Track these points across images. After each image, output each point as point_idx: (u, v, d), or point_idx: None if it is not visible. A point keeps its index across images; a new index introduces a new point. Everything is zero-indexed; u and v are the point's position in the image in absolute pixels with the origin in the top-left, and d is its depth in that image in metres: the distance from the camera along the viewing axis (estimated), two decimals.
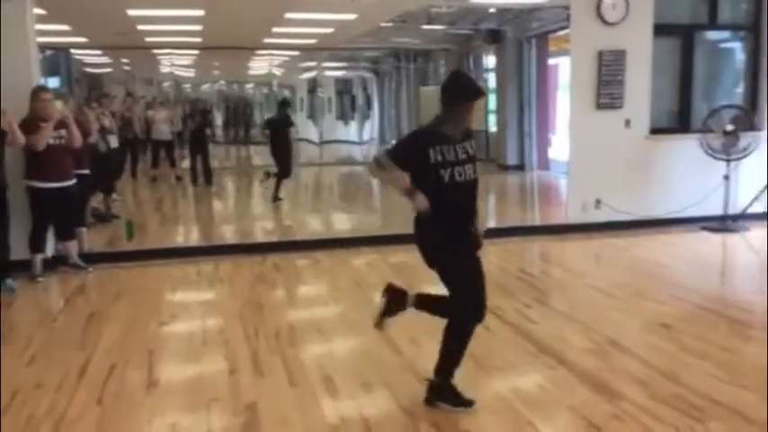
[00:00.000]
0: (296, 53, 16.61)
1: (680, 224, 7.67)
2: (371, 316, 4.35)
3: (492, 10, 11.13)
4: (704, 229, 7.61)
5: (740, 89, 8.39)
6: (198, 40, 12.61)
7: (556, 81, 13.31)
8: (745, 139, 7.49)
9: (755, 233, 7.48)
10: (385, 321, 3.65)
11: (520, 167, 13.18)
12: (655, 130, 7.79)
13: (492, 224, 9.11)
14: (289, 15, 9.91)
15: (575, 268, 6.70)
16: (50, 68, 12.20)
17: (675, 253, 6.80)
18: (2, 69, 5.85)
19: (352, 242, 7.35)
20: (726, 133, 7.50)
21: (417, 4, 9.26)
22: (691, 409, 3.34)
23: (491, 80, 14.37)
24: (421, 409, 3.42)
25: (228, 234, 8.42)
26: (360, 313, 5.04)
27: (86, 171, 6.88)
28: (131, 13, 9.33)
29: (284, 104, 11.05)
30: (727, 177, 7.57)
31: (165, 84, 17.73)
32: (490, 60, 14.59)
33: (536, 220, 9.21)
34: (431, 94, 17.71)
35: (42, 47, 7.07)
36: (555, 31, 11.64)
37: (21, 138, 5.68)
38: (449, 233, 3.43)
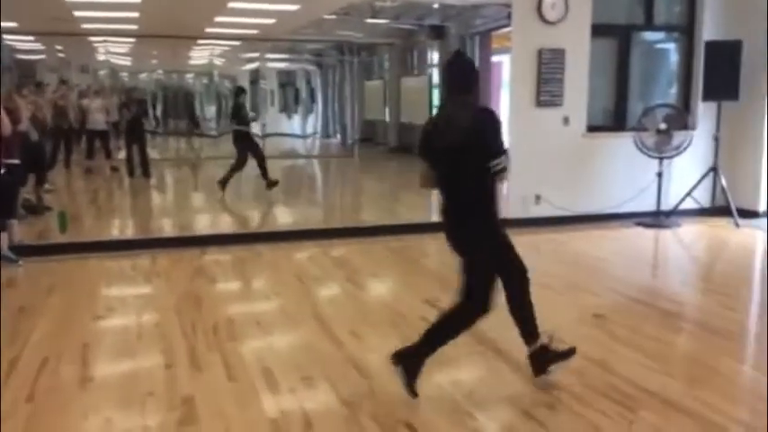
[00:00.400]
0: (237, 43, 16.39)
1: (616, 219, 7.88)
2: (313, 311, 4.36)
3: (435, 6, 11.21)
4: (638, 224, 7.84)
5: (674, 89, 8.67)
6: (135, 27, 12.31)
7: (499, 78, 13.49)
8: (678, 137, 7.74)
9: (686, 228, 7.75)
10: (415, 385, 3.42)
11: None
12: (592, 128, 7.98)
13: (435, 219, 9.20)
14: (232, 5, 9.78)
15: None
16: None
17: (611, 247, 6.99)
18: None
19: (294, 235, 7.31)
20: (659, 132, 7.74)
21: None
22: (623, 397, 3.44)
23: (435, 75, 14.48)
24: (361, 401, 3.43)
25: (166, 227, 8.27)
26: (301, 307, 5.02)
27: (16, 161, 6.64)
28: None
29: (239, 93, 10.84)
30: (660, 175, 7.81)
31: (102, 72, 17.26)
32: (434, 56, 14.70)
33: None
34: (375, 88, 17.77)
35: None
36: (497, 28, 11.80)
37: None
38: (497, 222, 3.46)
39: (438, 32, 13.18)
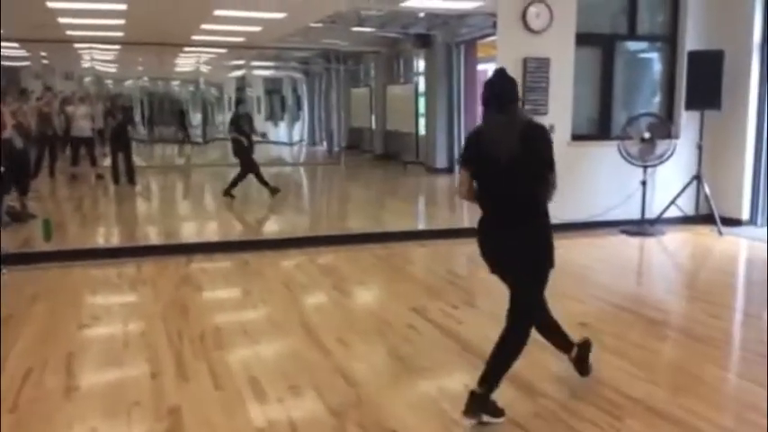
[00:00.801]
0: (223, 51, 16.38)
1: (601, 227, 7.94)
2: (300, 319, 4.35)
3: (421, 15, 11.26)
4: (623, 232, 7.90)
5: (657, 98, 8.75)
6: (120, 34, 12.27)
7: None
8: (662, 146, 7.82)
9: (671, 236, 7.82)
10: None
11: (449, 170, 13.37)
12: (577, 137, 8.03)
13: (421, 226, 9.23)
14: (218, 12, 9.78)
15: None
16: None
17: (596, 255, 7.03)
18: None
19: (281, 243, 7.31)
20: (643, 140, 7.81)
21: (347, 5, 9.27)
22: (609, 405, 3.46)
23: (421, 84, 14.53)
24: (348, 410, 3.42)
25: (152, 235, 8.23)
26: (288, 315, 5.01)
27: (0, 168, 6.59)
28: (51, 5, 9.01)
29: (238, 103, 10.94)
30: (644, 183, 7.87)
31: (87, 79, 17.17)
32: (420, 64, 14.76)
33: (464, 222, 9.34)
34: (361, 96, 17.80)
35: None
36: (483, 37, 11.87)
37: None
38: (551, 232, 3.47)
39: (424, 41, 13.24)
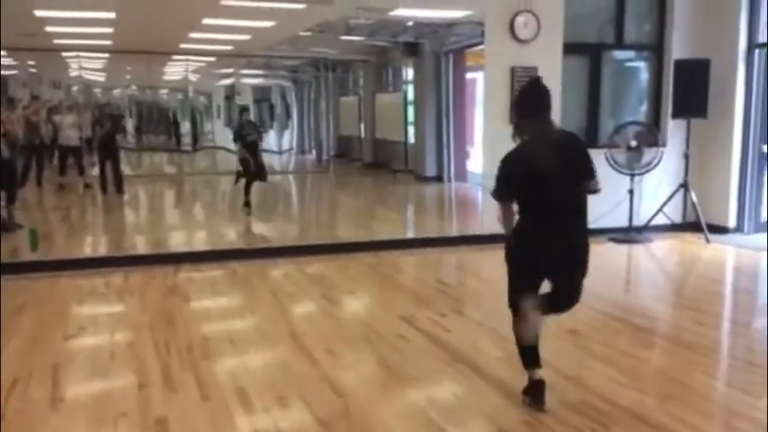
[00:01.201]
0: (212, 59, 16.36)
1: (589, 235, 7.92)
2: (289, 328, 4.32)
3: (410, 23, 11.29)
4: (611, 239, 7.93)
5: (644, 106, 8.81)
6: (109, 43, 12.23)
7: (473, 95, 13.60)
8: (649, 154, 7.86)
9: (658, 244, 7.86)
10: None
11: (438, 179, 13.39)
12: None
13: (411, 234, 9.23)
14: (207, 21, 9.76)
15: (490, 278, 6.84)
16: None
17: None
18: None
19: (270, 252, 7.28)
20: (630, 149, 7.85)
21: (336, 14, 9.29)
22: (597, 413, 3.46)
23: (410, 92, 14.57)
24: (336, 421, 3.41)
25: (140, 244, 8.18)
26: (276, 324, 4.99)
27: None
28: (39, 13, 8.97)
29: (242, 111, 10.82)
30: (631, 191, 7.91)
31: (75, 88, 17.09)
32: (409, 73, 14.79)
33: (453, 230, 9.37)
34: (350, 104, 17.82)
35: None
36: (471, 46, 11.90)
37: None
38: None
39: (412, 50, 13.26)
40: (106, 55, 15.01)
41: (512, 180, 3.48)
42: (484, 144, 8.02)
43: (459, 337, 4.70)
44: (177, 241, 8.40)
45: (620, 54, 8.85)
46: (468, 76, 13.15)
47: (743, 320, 5.45)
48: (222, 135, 19.07)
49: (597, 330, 4.86)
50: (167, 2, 8.29)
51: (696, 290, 6.34)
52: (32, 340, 4.62)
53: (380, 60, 15.70)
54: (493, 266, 7.26)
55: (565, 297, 3.60)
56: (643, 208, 8.16)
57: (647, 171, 7.92)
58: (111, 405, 3.59)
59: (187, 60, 16.42)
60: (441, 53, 13.05)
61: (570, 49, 7.96)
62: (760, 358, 4.42)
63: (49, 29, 10.32)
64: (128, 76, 18.33)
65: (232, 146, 18.40)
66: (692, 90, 7.87)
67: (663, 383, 3.95)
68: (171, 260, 6.84)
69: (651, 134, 8.07)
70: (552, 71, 7.81)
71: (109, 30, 10.48)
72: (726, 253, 7.55)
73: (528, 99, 3.54)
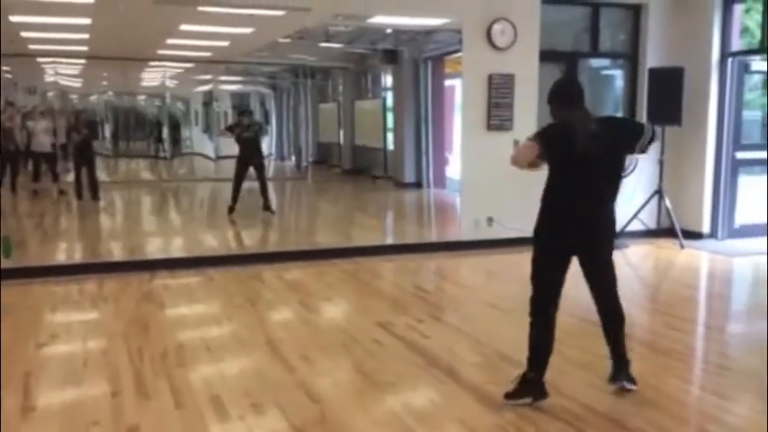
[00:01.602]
0: (190, 65, 16.27)
1: None
2: (265, 335, 4.27)
3: (388, 31, 11.31)
4: None
5: (619, 114, 8.88)
6: (85, 48, 12.12)
7: (452, 102, 13.66)
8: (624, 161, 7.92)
9: (633, 249, 7.92)
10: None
11: (417, 185, 13.41)
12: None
13: (390, 241, 9.23)
14: (184, 27, 9.71)
15: (467, 284, 6.87)
16: None
17: None
18: None
19: (247, 259, 7.24)
20: None
21: (314, 21, 9.28)
22: (572, 418, 3.48)
23: (389, 99, 14.59)
24: (312, 427, 3.39)
25: (115, 251, 8.09)
26: (252, 331, 4.96)
27: None
28: (14, 18, 8.86)
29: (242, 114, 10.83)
30: None
31: (50, 93, 16.91)
32: (388, 80, 14.81)
33: (432, 237, 9.38)
34: (329, 111, 17.79)
35: None
36: (450, 53, 11.96)
37: None
38: None
39: (391, 57, 13.28)
40: (82, 61, 14.87)
41: (554, 146, 3.60)
42: (462, 150, 8.05)
43: (436, 342, 4.70)
44: (153, 248, 8.32)
45: (595, 62, 8.94)
46: (447, 83, 13.20)
47: (716, 325, 5.51)
48: (200, 142, 18.95)
49: (573, 335, 4.88)
50: (144, 8, 8.23)
51: (671, 295, 6.40)
52: (4, 348, 4.53)
53: (359, 67, 15.72)
54: (470, 272, 7.32)
55: (601, 284, 3.79)
56: (618, 214, 8.18)
57: (623, 178, 7.97)
58: (83, 413, 3.54)
59: (165, 66, 16.32)
60: (419, 60, 13.10)
61: (546, 56, 8.03)
62: (733, 362, 4.48)
63: (24, 34, 10.20)
64: (104, 82, 18.15)
65: (210, 152, 18.35)
66: (666, 98, 7.96)
67: (638, 388, 3.97)
68: (146, 267, 6.78)
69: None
70: (529, 78, 7.89)
71: (85, 36, 10.39)
72: (700, 258, 7.64)
73: (568, 88, 3.77)
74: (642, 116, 8.37)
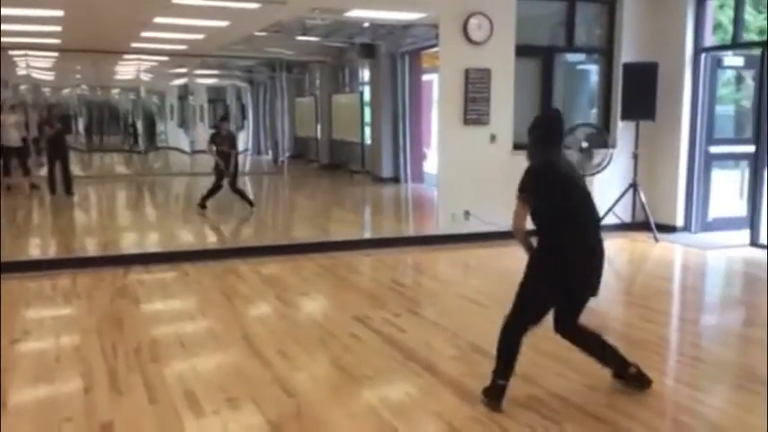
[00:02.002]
0: (165, 59, 16.11)
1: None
2: (241, 330, 4.23)
3: (366, 25, 11.28)
4: None
5: (595, 109, 8.96)
6: (57, 41, 11.94)
7: (430, 96, 13.66)
8: (599, 155, 7.99)
9: (608, 243, 7.88)
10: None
11: (395, 180, 13.40)
12: (518, 146, 8.14)
13: (367, 235, 9.22)
14: (158, 20, 9.60)
15: (444, 278, 6.89)
16: None
17: None
18: None
19: (223, 253, 7.20)
20: (581, 150, 7.97)
21: (290, 14, 9.22)
22: (547, 410, 3.50)
23: (366, 93, 14.56)
24: (288, 422, 3.38)
25: (89, 246, 8.00)
26: (228, 326, 4.93)
27: None
28: None
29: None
30: None
31: (23, 87, 16.65)
32: (365, 74, 14.78)
33: (410, 231, 9.39)
34: (306, 105, 17.72)
35: None
36: (427, 48, 11.96)
37: None
38: None
39: (369, 51, 13.26)
40: (55, 54, 14.65)
41: (543, 185, 3.54)
42: (439, 145, 8.07)
43: (413, 336, 4.70)
44: (127, 243, 8.24)
45: (571, 57, 8.99)
46: (425, 77, 13.20)
47: (690, 318, 5.58)
48: (175, 136, 18.78)
49: (547, 328, 4.89)
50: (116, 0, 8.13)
51: (645, 288, 6.47)
52: None
53: (337, 61, 15.67)
54: (447, 266, 7.33)
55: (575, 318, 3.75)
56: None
57: (598, 172, 8.05)
58: (55, 410, 3.50)
59: (139, 60, 16.14)
60: (397, 55, 13.08)
61: (522, 51, 8.06)
62: (706, 354, 4.54)
63: None
64: (78, 76, 17.90)
65: (185, 146, 18.19)
66: (641, 93, 8.03)
67: (613, 380, 4.00)
68: (121, 262, 6.71)
69: (601, 136, 8.20)
70: (505, 73, 7.92)
71: (57, 28, 10.23)
72: (674, 251, 7.73)
73: (554, 128, 3.70)
74: (617, 111, 8.45)
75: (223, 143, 9.84)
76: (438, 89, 7.99)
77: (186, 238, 8.64)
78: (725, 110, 9.17)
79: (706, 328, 5.29)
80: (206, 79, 19.28)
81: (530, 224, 3.54)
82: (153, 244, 8.23)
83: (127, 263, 6.67)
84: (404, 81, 13.21)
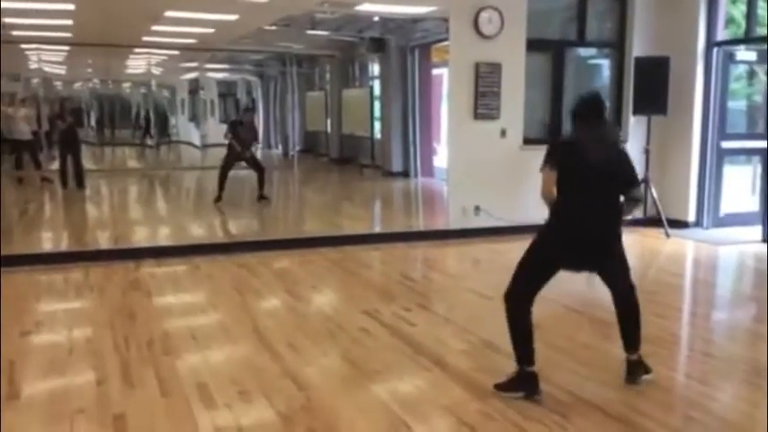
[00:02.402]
0: (176, 53, 16.14)
1: None
2: (252, 324, 4.25)
3: (375, 19, 11.27)
4: None
5: (607, 103, 8.90)
6: (69, 35, 11.99)
7: (440, 91, 13.64)
8: None
9: None
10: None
11: (405, 174, 13.40)
12: (528, 140, 8.13)
13: (377, 229, 9.23)
14: (169, 14, 9.62)
15: (454, 272, 6.89)
16: None
17: None
18: None
19: (234, 247, 7.22)
20: None
21: (300, 8, 9.23)
22: (558, 405, 3.50)
23: (376, 88, 14.54)
24: (298, 415, 3.39)
25: (101, 239, 8.04)
26: (239, 320, 4.95)
27: None
28: None
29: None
30: None
31: (34, 80, 16.74)
32: (375, 68, 14.76)
33: (420, 225, 9.39)
34: (316, 99, 17.73)
35: None
36: (437, 42, 11.93)
37: None
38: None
39: (378, 45, 13.24)
40: (66, 47, 14.71)
41: (561, 159, 3.69)
42: (449, 139, 8.05)
43: (422, 330, 4.71)
44: (139, 236, 8.28)
45: (582, 51, 8.95)
46: (435, 72, 13.18)
47: (701, 313, 5.56)
48: (186, 130, 18.84)
49: (559, 323, 4.91)
50: None
51: (656, 283, 6.43)
52: None
53: (347, 55, 15.65)
54: (457, 261, 7.33)
55: (618, 284, 3.93)
56: None
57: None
58: (68, 402, 3.52)
59: (150, 54, 16.19)
60: (407, 49, 13.06)
61: (533, 45, 8.03)
62: (717, 349, 4.53)
63: (6, 20, 10.07)
64: (89, 70, 17.99)
65: (196, 140, 18.24)
66: (652, 87, 7.99)
67: (624, 375, 4.00)
68: (132, 255, 6.75)
69: (613, 130, 8.15)
70: (516, 67, 7.89)
71: (69, 22, 10.28)
72: (685, 247, 7.69)
73: (585, 103, 3.76)
74: (629, 106, 8.41)
75: (246, 134, 10.00)
76: (448, 83, 7.98)
77: (197, 232, 8.68)
78: (737, 105, 9.09)
79: (717, 323, 5.27)
80: (216, 73, 19.33)
81: None
82: (164, 237, 8.28)
83: (138, 256, 6.71)
84: (414, 75, 13.19)
